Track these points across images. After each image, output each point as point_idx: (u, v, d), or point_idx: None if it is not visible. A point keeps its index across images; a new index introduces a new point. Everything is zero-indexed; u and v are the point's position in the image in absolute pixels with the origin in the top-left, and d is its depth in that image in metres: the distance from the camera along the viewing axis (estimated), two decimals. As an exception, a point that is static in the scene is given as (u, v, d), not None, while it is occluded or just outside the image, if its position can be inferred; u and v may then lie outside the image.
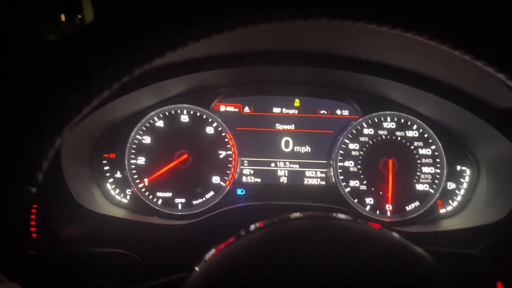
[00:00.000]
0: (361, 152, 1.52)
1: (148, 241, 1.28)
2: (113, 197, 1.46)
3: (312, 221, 0.67)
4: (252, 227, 0.65)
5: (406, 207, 1.49)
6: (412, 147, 1.51)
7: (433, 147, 1.51)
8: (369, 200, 1.50)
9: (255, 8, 0.50)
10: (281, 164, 1.56)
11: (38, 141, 0.48)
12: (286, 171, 1.56)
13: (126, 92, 1.29)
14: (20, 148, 0.48)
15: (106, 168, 1.47)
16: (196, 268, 0.62)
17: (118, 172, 1.48)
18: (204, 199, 1.50)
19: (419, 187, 1.50)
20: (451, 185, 1.50)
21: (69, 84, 0.49)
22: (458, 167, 1.49)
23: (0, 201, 0.47)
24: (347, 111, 1.57)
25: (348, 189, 1.51)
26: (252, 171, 1.55)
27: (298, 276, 0.52)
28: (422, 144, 1.51)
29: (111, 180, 1.47)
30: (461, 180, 1.49)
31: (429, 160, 1.50)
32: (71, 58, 0.50)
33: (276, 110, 1.57)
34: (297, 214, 0.68)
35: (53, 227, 1.21)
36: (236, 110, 1.56)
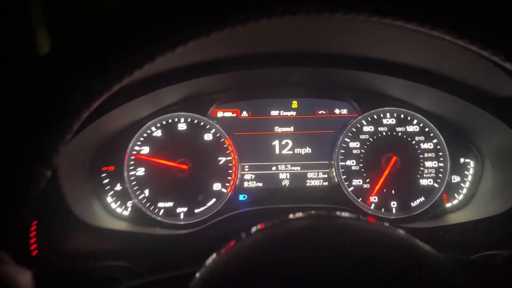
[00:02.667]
0: (362, 150, 1.51)
1: (151, 252, 1.26)
2: (114, 210, 1.44)
3: (314, 221, 0.65)
4: (253, 229, 0.64)
5: (411, 203, 1.47)
6: (413, 142, 1.49)
7: (434, 140, 1.49)
8: (373, 198, 1.48)
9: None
10: (282, 167, 1.54)
11: (55, 123, 0.48)
12: (288, 174, 1.54)
13: (121, 103, 1.28)
14: (36, 130, 0.47)
15: (106, 181, 1.45)
16: (197, 275, 0.61)
17: (118, 185, 1.46)
18: (206, 207, 1.48)
19: (423, 182, 1.48)
20: (455, 178, 1.48)
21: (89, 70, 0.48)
22: (462, 160, 1.47)
23: (16, 183, 0.46)
24: (346, 109, 1.55)
25: (351, 188, 1.49)
26: (253, 176, 1.54)
27: (301, 277, 0.50)
28: (423, 139, 1.49)
29: (111, 193, 1.45)
30: (466, 172, 1.47)
31: (432, 154, 1.48)
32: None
33: (274, 112, 1.56)
34: (298, 214, 0.67)
35: (53, 243, 1.19)
36: (234, 115, 1.55)
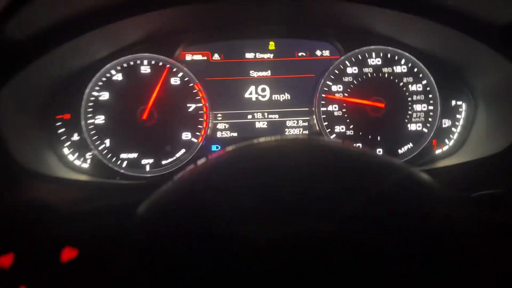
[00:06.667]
0: (345, 94, 1.37)
1: (112, 201, 1.12)
2: (71, 163, 1.30)
3: (298, 141, 0.60)
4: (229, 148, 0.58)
5: (399, 150, 1.35)
6: (401, 83, 1.36)
7: (424, 82, 1.36)
8: (358, 146, 1.36)
9: None
10: (259, 115, 1.41)
11: None
12: (265, 123, 1.41)
13: (72, 37, 1.11)
14: None
15: (61, 130, 1.30)
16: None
17: (75, 135, 1.31)
18: (174, 158, 1.34)
19: (412, 127, 1.36)
20: (446, 123, 1.36)
21: None
22: (453, 102, 1.35)
23: None
24: (328, 51, 1.41)
25: (333, 136, 1.37)
26: (227, 125, 1.40)
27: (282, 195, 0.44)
28: (412, 80, 1.36)
29: (68, 143, 1.30)
30: (457, 116, 1.36)
31: (421, 97, 1.36)
32: None
33: (249, 55, 1.41)
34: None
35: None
36: (205, 58, 1.40)
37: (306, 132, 1.40)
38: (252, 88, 1.40)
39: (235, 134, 1.40)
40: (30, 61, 1.07)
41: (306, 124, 1.40)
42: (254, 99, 1.40)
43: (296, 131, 1.40)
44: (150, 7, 1.16)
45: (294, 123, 1.41)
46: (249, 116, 1.41)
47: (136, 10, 1.15)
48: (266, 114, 1.41)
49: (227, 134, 1.39)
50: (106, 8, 1.12)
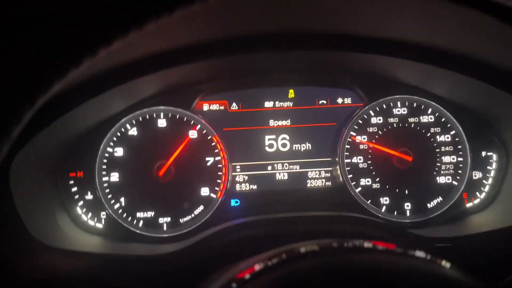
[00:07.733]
0: (370, 145, 1.32)
1: (131, 277, 1.05)
2: (84, 223, 1.24)
3: (328, 260, 0.59)
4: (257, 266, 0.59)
5: (428, 204, 1.29)
6: (428, 134, 1.31)
7: (452, 132, 1.31)
8: (384, 200, 1.30)
9: None
10: (279, 166, 1.35)
11: None
12: (286, 174, 1.35)
13: (90, 96, 1.06)
14: None
15: (74, 189, 1.24)
16: None
17: (89, 193, 1.25)
18: (192, 215, 1.28)
19: (441, 179, 1.30)
20: (477, 175, 1.30)
21: None
22: (484, 153, 1.30)
23: None
24: (350, 98, 1.36)
25: (359, 189, 1.31)
26: (246, 178, 1.34)
27: None
28: (440, 130, 1.31)
29: (81, 203, 1.24)
30: (488, 168, 1.30)
31: (450, 148, 1.30)
32: None
33: (268, 104, 1.36)
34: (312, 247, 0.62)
35: (8, 270, 0.98)
36: (222, 108, 1.35)
37: (329, 183, 1.34)
38: (272, 138, 1.35)
39: (254, 187, 1.34)
40: (47, 125, 1.02)
41: (329, 175, 1.35)
42: (274, 149, 1.35)
43: (318, 183, 1.34)
44: (169, 64, 1.11)
45: (316, 174, 1.35)
46: (269, 168, 1.35)
47: (154, 67, 1.10)
48: (286, 165, 1.35)
49: (246, 187, 1.34)
50: (124, 67, 1.07)
